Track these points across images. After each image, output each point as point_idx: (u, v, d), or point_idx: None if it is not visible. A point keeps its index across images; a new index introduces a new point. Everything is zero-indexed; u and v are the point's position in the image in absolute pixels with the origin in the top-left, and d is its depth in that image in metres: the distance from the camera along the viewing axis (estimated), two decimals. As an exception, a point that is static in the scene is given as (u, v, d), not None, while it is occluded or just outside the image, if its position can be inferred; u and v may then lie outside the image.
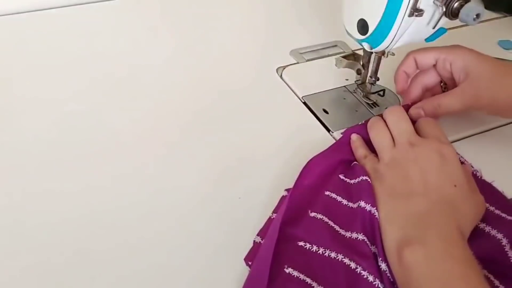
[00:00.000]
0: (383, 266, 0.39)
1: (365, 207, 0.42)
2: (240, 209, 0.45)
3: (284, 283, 0.38)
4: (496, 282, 0.39)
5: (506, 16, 0.80)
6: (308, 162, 0.47)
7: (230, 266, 0.40)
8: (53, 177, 0.48)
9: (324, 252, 0.40)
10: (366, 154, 0.48)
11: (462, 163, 0.48)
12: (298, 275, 0.38)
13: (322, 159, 0.48)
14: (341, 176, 0.46)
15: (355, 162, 0.48)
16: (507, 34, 0.73)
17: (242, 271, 0.40)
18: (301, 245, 0.41)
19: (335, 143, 0.51)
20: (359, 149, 0.49)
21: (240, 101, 0.59)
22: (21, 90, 0.59)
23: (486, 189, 0.46)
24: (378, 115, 0.51)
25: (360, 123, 0.52)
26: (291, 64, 0.65)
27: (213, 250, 0.42)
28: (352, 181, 0.45)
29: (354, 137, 0.50)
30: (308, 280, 0.38)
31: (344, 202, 0.44)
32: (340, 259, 0.39)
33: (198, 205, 0.46)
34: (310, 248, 0.40)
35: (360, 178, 0.44)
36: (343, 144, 0.50)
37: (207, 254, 0.42)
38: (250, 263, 0.40)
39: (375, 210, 0.41)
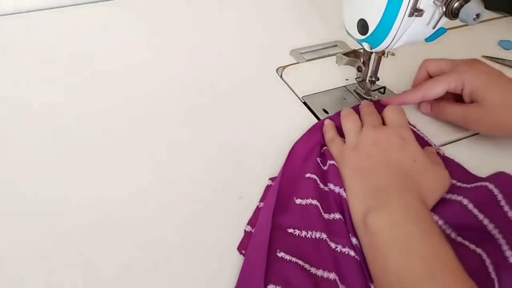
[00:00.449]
0: (354, 240, 0.41)
1: (334, 189, 0.45)
2: (240, 208, 0.45)
3: (278, 267, 0.39)
4: (472, 246, 0.40)
5: (506, 16, 0.80)
6: (289, 151, 0.50)
7: (229, 262, 0.41)
8: (52, 173, 0.48)
9: (312, 235, 0.42)
10: (334, 137, 0.50)
11: (429, 144, 0.51)
12: (290, 258, 0.40)
13: (301, 145, 0.50)
14: (318, 160, 0.49)
15: (325, 148, 0.50)
16: (507, 34, 0.73)
17: (239, 265, 0.40)
18: (291, 232, 0.42)
19: (311, 127, 0.53)
20: (328, 132, 0.51)
21: (240, 101, 0.59)
22: (20, 90, 0.59)
23: (449, 165, 0.48)
24: (352, 108, 0.54)
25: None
26: (291, 64, 0.66)
27: (213, 250, 0.42)
28: (325, 168, 0.47)
29: (327, 121, 0.53)
30: (300, 262, 0.40)
31: (321, 185, 0.46)
32: (324, 238, 0.41)
33: (197, 205, 0.46)
34: (300, 234, 0.42)
35: (328, 163, 0.47)
36: (318, 129, 0.53)
37: (207, 252, 0.42)
38: (243, 251, 0.41)
39: (343, 191, 0.44)
